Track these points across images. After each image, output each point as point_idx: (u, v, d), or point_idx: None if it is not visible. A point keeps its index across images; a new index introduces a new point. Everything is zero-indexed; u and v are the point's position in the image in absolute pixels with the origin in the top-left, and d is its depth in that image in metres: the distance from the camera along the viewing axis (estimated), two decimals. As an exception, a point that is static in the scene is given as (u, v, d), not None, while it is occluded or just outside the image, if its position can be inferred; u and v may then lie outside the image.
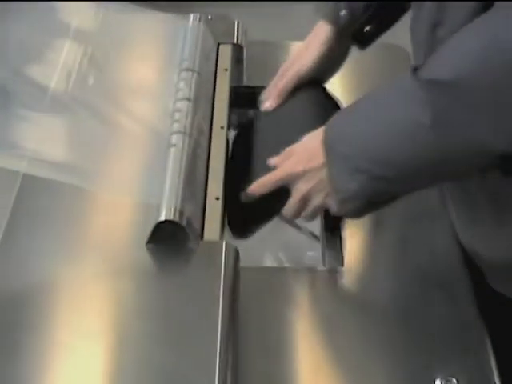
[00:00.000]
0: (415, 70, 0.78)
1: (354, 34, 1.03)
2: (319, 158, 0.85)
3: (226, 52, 1.13)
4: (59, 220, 0.89)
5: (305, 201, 0.89)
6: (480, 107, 0.73)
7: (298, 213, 0.91)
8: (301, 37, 1.06)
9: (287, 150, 0.91)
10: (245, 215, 0.95)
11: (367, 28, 1.02)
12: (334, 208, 0.87)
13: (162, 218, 0.84)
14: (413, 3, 0.88)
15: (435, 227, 0.98)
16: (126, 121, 0.98)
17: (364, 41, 1.04)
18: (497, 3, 0.74)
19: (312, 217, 0.92)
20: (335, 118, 0.86)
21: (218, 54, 1.12)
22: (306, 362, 0.85)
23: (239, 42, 1.15)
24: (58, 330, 0.80)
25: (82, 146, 0.96)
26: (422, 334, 0.87)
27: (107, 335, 0.79)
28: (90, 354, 0.78)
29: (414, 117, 0.76)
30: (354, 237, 0.97)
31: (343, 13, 0.99)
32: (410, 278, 0.93)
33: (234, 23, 1.17)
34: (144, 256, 0.85)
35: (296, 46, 1.08)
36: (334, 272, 0.96)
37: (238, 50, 1.14)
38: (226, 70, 1.09)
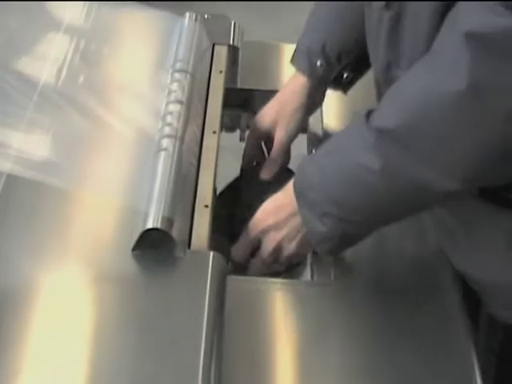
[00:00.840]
0: (368, 115, 0.79)
1: (333, 80, 1.03)
2: (289, 206, 0.87)
3: (222, 53, 1.11)
4: (43, 222, 0.87)
5: (277, 250, 0.90)
6: (425, 153, 0.76)
7: (270, 264, 0.92)
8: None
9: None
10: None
11: (346, 74, 1.03)
12: (306, 254, 0.92)
13: (150, 226, 0.82)
14: (368, 43, 0.88)
15: (425, 240, 0.97)
16: (116, 122, 0.96)
17: (344, 85, 1.05)
18: (433, 48, 0.75)
19: (284, 265, 0.93)
20: (303, 164, 0.87)
21: (213, 55, 1.10)
22: (290, 376, 0.84)
23: (235, 43, 1.13)
24: (35, 335, 0.77)
25: (69, 146, 0.94)
26: (410, 353, 0.86)
27: (87, 343, 0.77)
28: (67, 363, 0.75)
29: (365, 163, 0.78)
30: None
31: (319, 63, 1.00)
32: (398, 292, 0.92)
33: (230, 23, 1.15)
34: (129, 263, 0.83)
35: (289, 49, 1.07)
36: (322, 285, 0.94)
37: (233, 51, 1.13)
38: (221, 72, 1.08)
